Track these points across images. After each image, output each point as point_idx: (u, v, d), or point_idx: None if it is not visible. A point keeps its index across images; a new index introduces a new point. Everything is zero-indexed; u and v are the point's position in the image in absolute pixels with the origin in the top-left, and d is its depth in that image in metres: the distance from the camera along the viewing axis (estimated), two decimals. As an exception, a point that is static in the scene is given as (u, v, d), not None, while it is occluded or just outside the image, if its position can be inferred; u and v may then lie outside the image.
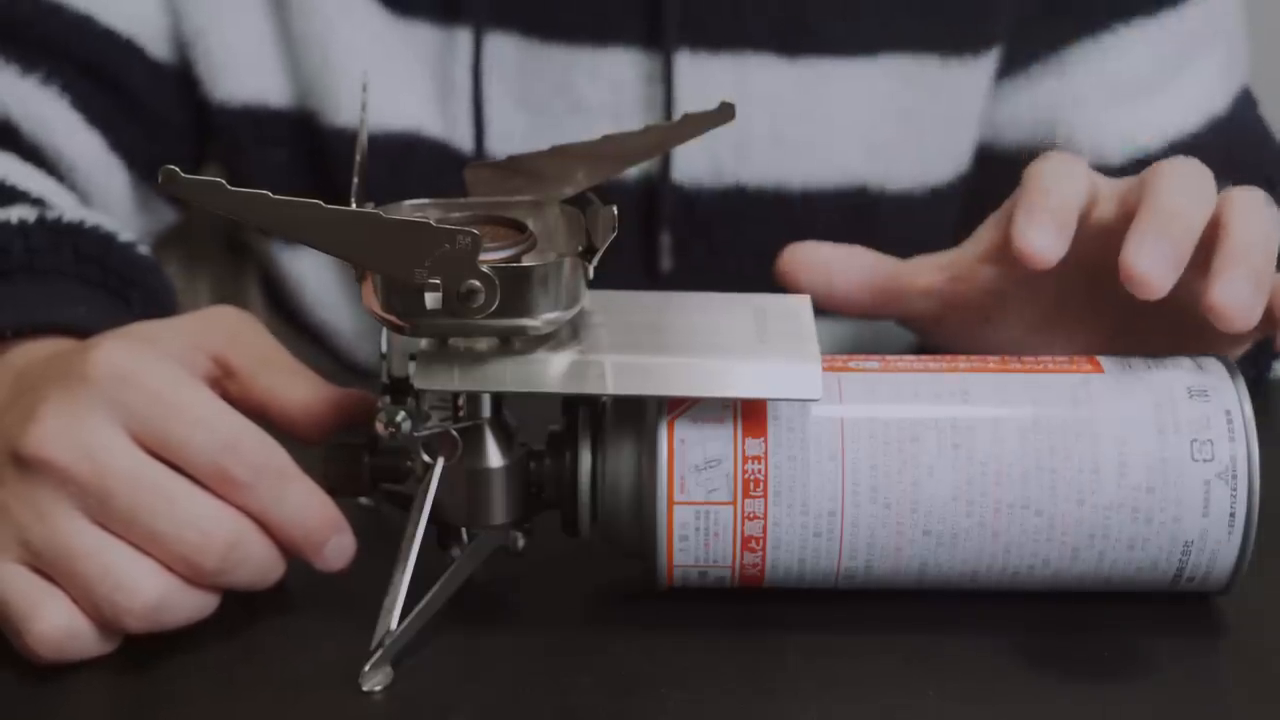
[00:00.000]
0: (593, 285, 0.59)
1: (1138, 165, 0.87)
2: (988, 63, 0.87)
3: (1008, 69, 0.89)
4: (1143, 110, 0.88)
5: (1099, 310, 0.68)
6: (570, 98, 0.85)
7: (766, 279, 0.73)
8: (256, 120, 0.87)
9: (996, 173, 0.89)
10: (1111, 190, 0.64)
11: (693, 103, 0.84)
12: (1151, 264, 0.58)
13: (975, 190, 0.93)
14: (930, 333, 0.74)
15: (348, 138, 0.86)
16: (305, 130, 0.87)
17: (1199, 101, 0.89)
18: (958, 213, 0.90)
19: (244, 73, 0.87)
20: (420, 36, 0.85)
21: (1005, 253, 0.64)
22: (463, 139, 0.86)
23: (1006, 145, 0.90)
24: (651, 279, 0.87)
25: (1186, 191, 0.61)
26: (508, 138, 0.86)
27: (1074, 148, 0.87)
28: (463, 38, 0.84)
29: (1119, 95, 0.88)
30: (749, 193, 0.86)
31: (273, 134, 0.88)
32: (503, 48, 0.85)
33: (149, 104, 0.86)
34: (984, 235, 0.69)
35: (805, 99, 0.85)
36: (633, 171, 0.85)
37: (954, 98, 0.87)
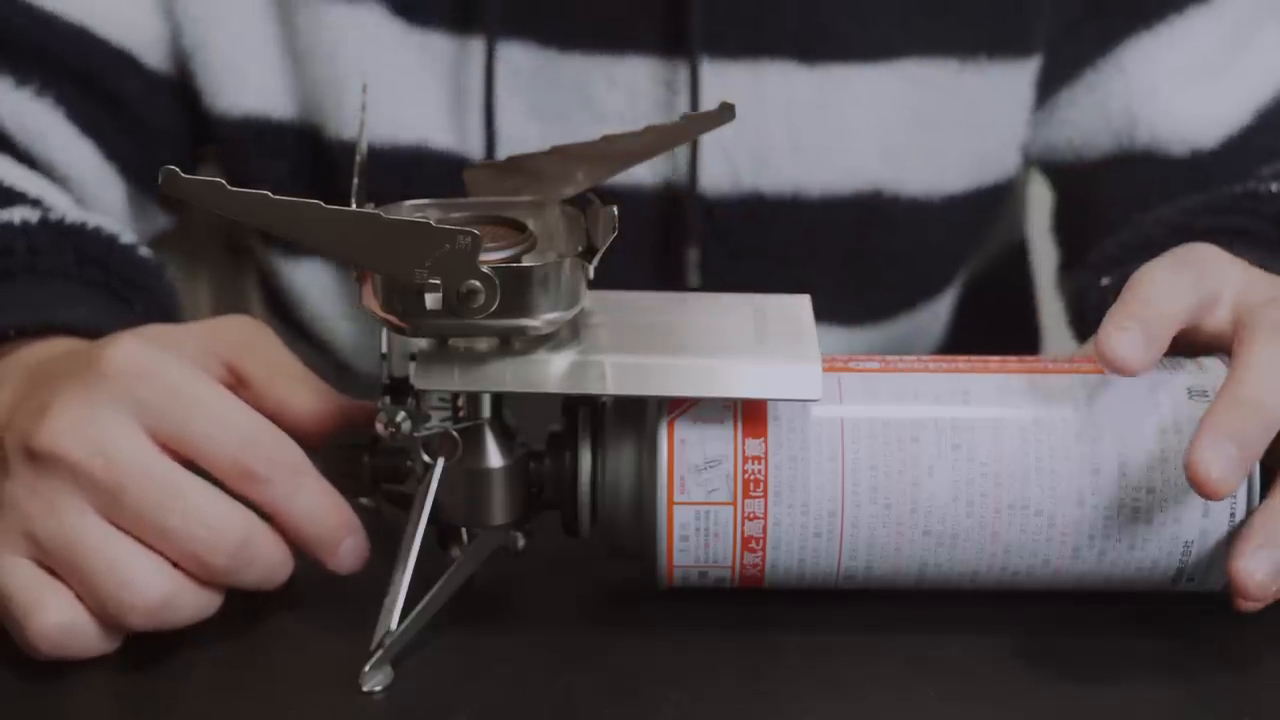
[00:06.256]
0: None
1: (1220, 153, 0.85)
2: (1017, 70, 0.86)
3: (1059, 77, 0.87)
4: (1216, 89, 0.86)
5: None
6: (585, 106, 0.84)
7: (782, 285, 0.72)
8: (258, 132, 0.86)
9: (1081, 186, 0.89)
10: (1231, 302, 0.61)
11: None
12: (1218, 471, 0.56)
13: (1058, 209, 0.93)
14: None
15: (353, 150, 0.85)
16: (308, 142, 0.86)
17: (1271, 71, 0.87)
18: (979, 221, 0.90)
19: (246, 85, 0.85)
20: (433, 46, 0.84)
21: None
22: (474, 149, 0.85)
23: (1091, 156, 0.89)
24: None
25: (1272, 379, 0.58)
26: (520, 147, 0.84)
27: (1160, 143, 0.86)
28: (476, 47, 0.83)
29: (1190, 80, 0.86)
30: (768, 200, 0.85)
31: (274, 146, 0.87)
32: (517, 56, 0.84)
33: (144, 115, 0.85)
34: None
35: (823, 105, 0.85)
36: (652, 181, 0.84)
37: (971, 103, 0.86)
